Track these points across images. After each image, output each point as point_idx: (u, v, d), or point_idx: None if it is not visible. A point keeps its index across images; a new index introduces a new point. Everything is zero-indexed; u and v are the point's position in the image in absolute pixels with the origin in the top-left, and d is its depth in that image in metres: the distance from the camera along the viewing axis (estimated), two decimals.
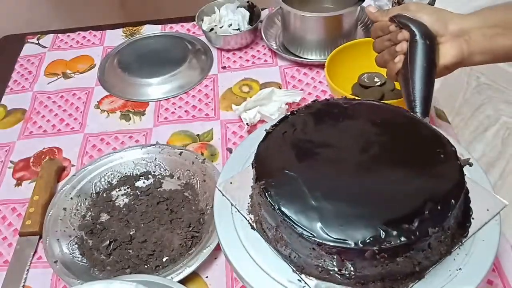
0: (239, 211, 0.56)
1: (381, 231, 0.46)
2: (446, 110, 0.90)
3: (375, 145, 0.55)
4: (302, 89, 0.95)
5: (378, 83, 0.87)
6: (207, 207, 0.73)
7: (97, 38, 1.15)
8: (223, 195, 0.58)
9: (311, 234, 0.47)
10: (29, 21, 1.33)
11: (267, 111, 0.86)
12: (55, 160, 0.85)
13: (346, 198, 0.50)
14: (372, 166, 0.53)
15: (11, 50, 1.14)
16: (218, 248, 0.66)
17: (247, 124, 0.86)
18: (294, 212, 0.48)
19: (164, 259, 0.69)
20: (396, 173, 0.52)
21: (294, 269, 0.50)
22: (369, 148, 0.55)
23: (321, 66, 0.98)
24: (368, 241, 0.45)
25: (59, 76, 1.05)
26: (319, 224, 0.47)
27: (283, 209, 0.49)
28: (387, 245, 0.45)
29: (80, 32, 1.17)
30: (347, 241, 0.46)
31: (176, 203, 0.75)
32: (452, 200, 0.49)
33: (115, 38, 1.14)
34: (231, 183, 0.58)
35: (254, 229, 0.54)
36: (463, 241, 0.51)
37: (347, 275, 0.48)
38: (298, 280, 0.50)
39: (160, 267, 0.68)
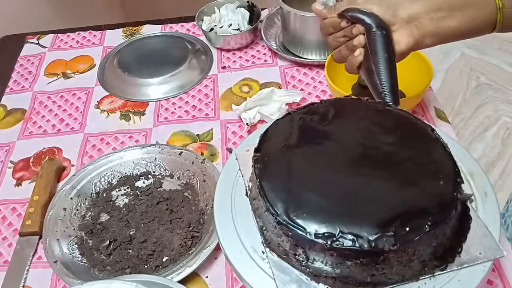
0: (242, 176, 0.59)
1: (339, 230, 0.47)
2: (446, 110, 0.90)
3: (377, 148, 0.55)
4: (302, 89, 0.95)
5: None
6: (207, 207, 0.73)
7: (97, 38, 1.15)
8: (236, 158, 0.61)
9: (275, 212, 0.49)
10: (29, 21, 1.33)
11: (267, 111, 0.86)
12: (55, 160, 0.85)
13: (323, 191, 0.51)
14: (365, 168, 0.53)
15: (11, 50, 1.14)
16: (218, 248, 0.66)
17: (247, 124, 0.86)
18: (270, 188, 0.51)
19: (164, 259, 0.69)
20: (383, 179, 0.52)
21: (263, 241, 0.53)
22: (370, 149, 0.55)
23: (321, 66, 0.98)
24: (320, 235, 0.47)
25: (59, 76, 1.05)
26: (285, 206, 0.49)
27: (262, 182, 0.52)
28: (337, 244, 0.46)
29: (80, 32, 1.17)
30: (301, 228, 0.47)
31: (176, 203, 0.75)
32: (426, 225, 0.46)
33: (115, 38, 1.14)
34: (247, 150, 0.60)
35: (246, 195, 0.57)
36: (434, 274, 0.48)
37: (301, 261, 0.49)
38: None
39: (160, 267, 0.68)
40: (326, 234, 0.47)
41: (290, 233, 0.48)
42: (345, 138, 0.57)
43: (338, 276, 0.49)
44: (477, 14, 0.66)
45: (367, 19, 0.66)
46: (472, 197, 0.53)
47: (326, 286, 0.49)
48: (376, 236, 0.46)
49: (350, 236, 0.46)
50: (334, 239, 0.46)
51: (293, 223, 0.48)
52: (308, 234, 0.47)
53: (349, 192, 0.51)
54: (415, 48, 0.68)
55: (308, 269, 0.50)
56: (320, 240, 0.47)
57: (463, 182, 0.51)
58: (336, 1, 0.77)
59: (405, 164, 0.53)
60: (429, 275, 0.49)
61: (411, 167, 0.53)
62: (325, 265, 0.48)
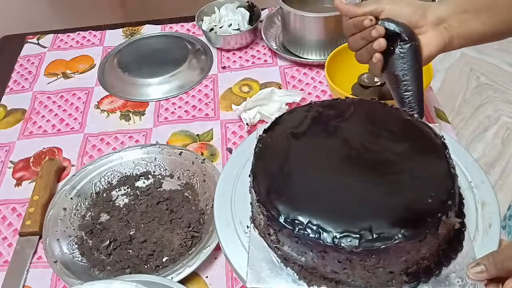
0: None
1: (308, 220, 0.48)
2: (446, 110, 0.90)
3: (379, 153, 0.55)
4: (302, 89, 0.95)
5: (378, 83, 0.87)
6: (207, 207, 0.73)
7: (97, 38, 1.15)
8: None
9: (258, 191, 0.52)
10: (29, 21, 1.33)
11: (267, 111, 0.86)
12: (55, 160, 0.85)
13: (309, 182, 0.52)
14: (360, 170, 0.53)
15: (11, 50, 1.14)
16: (218, 248, 0.66)
17: (247, 124, 0.86)
18: (261, 169, 0.54)
19: (164, 259, 0.69)
20: (373, 184, 0.51)
21: (250, 216, 0.55)
22: (372, 153, 0.55)
23: (321, 66, 0.98)
24: (290, 220, 0.48)
25: (59, 76, 1.05)
26: (268, 187, 0.52)
27: (257, 161, 0.55)
28: (302, 233, 0.47)
29: (80, 32, 1.17)
30: (275, 211, 0.49)
31: (176, 203, 0.75)
32: (396, 237, 0.45)
33: (115, 38, 1.14)
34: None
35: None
36: None
37: (274, 242, 0.51)
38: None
39: (160, 267, 0.68)
40: (295, 221, 0.48)
41: (265, 213, 0.50)
42: (351, 138, 0.56)
43: (304, 265, 0.50)
44: (503, 18, 0.66)
45: (400, 29, 0.65)
46: (459, 224, 0.50)
47: (293, 272, 0.51)
48: (341, 234, 0.46)
49: (316, 228, 0.47)
50: (301, 227, 0.48)
51: (270, 205, 0.50)
52: (279, 217, 0.49)
53: (334, 188, 0.51)
54: (443, 50, 0.67)
55: (279, 252, 0.52)
56: (288, 226, 0.48)
57: (454, 206, 0.49)
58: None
59: (401, 175, 0.52)
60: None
61: (406, 179, 0.51)
62: (292, 250, 0.50)
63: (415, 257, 0.47)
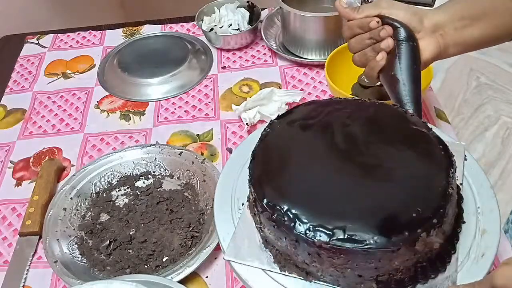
0: None
1: (287, 207, 0.49)
2: (446, 110, 0.90)
3: (376, 157, 0.54)
4: (302, 89, 0.95)
5: (378, 83, 0.87)
6: (207, 207, 0.73)
7: (97, 38, 1.15)
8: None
9: (251, 173, 0.54)
10: (29, 21, 1.33)
11: (267, 111, 0.86)
12: (55, 160, 0.85)
13: (301, 172, 0.53)
14: (352, 168, 0.53)
15: (11, 50, 1.14)
16: (218, 248, 0.66)
17: (247, 124, 0.86)
18: (259, 153, 0.55)
19: (164, 259, 0.69)
20: (362, 184, 0.51)
21: (247, 197, 0.56)
22: (368, 156, 0.54)
23: (321, 66, 0.98)
24: (271, 205, 0.49)
25: (59, 76, 1.05)
26: (260, 172, 0.53)
27: (259, 145, 0.56)
28: (278, 218, 0.48)
29: (80, 32, 1.17)
30: (261, 194, 0.51)
31: (176, 203, 0.75)
32: (367, 242, 0.45)
33: (115, 38, 1.14)
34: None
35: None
36: None
37: (258, 223, 0.53)
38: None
39: (160, 267, 0.68)
40: (275, 207, 0.49)
41: (253, 194, 0.52)
42: (356, 139, 0.56)
43: (280, 250, 0.51)
44: (499, 23, 0.67)
45: (400, 29, 0.65)
46: (438, 245, 0.48)
47: (270, 254, 0.52)
48: (315, 227, 0.47)
49: (293, 217, 0.48)
50: (280, 213, 0.49)
51: (258, 186, 0.52)
52: (263, 200, 0.50)
53: (323, 183, 0.52)
54: (438, 58, 0.67)
55: (262, 233, 0.53)
56: (268, 209, 0.49)
57: (438, 226, 0.47)
58: (361, 3, 0.76)
59: (395, 183, 0.51)
60: None
61: (398, 188, 0.50)
62: (270, 234, 0.51)
63: (387, 267, 0.47)
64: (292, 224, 0.48)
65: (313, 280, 0.50)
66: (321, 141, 0.56)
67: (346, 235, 0.46)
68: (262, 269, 0.52)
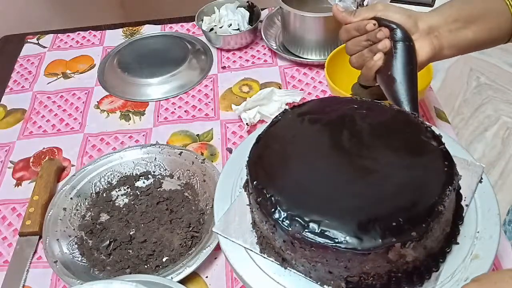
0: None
1: (271, 194, 0.50)
2: (446, 110, 0.90)
3: (375, 160, 0.54)
4: (302, 89, 0.95)
5: (377, 84, 0.87)
6: (207, 207, 0.73)
7: (96, 38, 1.15)
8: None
9: (249, 158, 0.55)
10: (29, 21, 1.33)
11: (267, 111, 0.86)
12: (55, 160, 0.85)
13: (295, 165, 0.53)
14: (348, 168, 0.53)
15: (11, 50, 1.14)
16: (218, 248, 0.66)
17: (247, 124, 0.86)
18: (261, 144, 0.56)
19: (164, 259, 0.69)
20: (354, 185, 0.51)
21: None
22: (366, 159, 0.54)
23: (321, 66, 0.98)
24: (258, 188, 0.51)
25: (59, 76, 1.05)
26: (259, 156, 0.55)
27: (261, 136, 0.57)
28: (260, 202, 0.50)
29: (80, 32, 1.17)
30: (253, 176, 0.52)
31: (176, 203, 0.75)
32: (337, 240, 0.45)
33: (115, 38, 1.14)
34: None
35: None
36: None
37: (250, 204, 0.54)
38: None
39: (160, 267, 0.68)
40: (262, 190, 0.50)
41: (247, 175, 0.54)
42: (360, 138, 0.56)
43: (263, 233, 0.52)
44: (493, 25, 0.67)
45: (396, 29, 0.66)
46: (412, 258, 0.47)
47: (255, 236, 0.53)
48: (292, 217, 0.48)
49: (274, 203, 0.49)
50: (264, 198, 0.50)
51: (252, 169, 0.53)
52: (253, 182, 0.52)
53: (313, 176, 0.52)
54: (433, 59, 0.68)
55: (253, 213, 0.54)
56: (255, 192, 0.51)
57: (417, 240, 0.46)
58: (357, 7, 0.77)
59: (385, 187, 0.50)
60: None
61: (388, 193, 0.49)
62: (255, 216, 0.53)
63: (357, 269, 0.47)
64: (273, 209, 0.49)
65: (288, 267, 0.51)
66: (327, 137, 0.57)
67: (319, 230, 0.46)
68: (244, 247, 0.53)
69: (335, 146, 0.55)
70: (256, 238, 0.53)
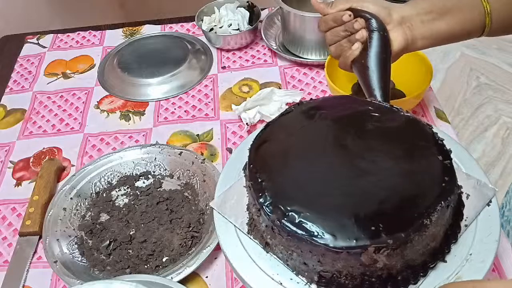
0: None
1: (264, 179, 0.51)
2: (446, 110, 0.90)
3: (377, 158, 0.54)
4: (302, 89, 0.95)
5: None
6: (207, 207, 0.73)
7: (96, 38, 1.15)
8: None
9: (252, 142, 0.57)
10: (29, 21, 1.33)
11: (267, 111, 0.86)
12: (55, 160, 0.85)
13: (291, 162, 0.54)
14: (348, 169, 0.53)
15: (11, 50, 1.14)
16: (218, 248, 0.66)
17: (247, 124, 0.86)
18: (258, 142, 0.57)
19: (164, 259, 0.69)
20: (348, 184, 0.51)
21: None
22: (371, 159, 0.54)
23: (321, 66, 0.98)
24: (253, 171, 0.53)
25: (59, 76, 1.05)
26: (260, 143, 0.56)
27: (259, 135, 0.58)
28: (252, 186, 0.51)
29: (79, 32, 1.17)
30: (249, 159, 0.55)
31: (176, 203, 0.75)
32: (313, 233, 0.46)
33: (115, 38, 1.14)
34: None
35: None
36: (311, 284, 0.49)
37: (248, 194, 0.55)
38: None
39: (160, 267, 0.68)
40: (255, 175, 0.52)
41: (247, 159, 0.55)
42: (367, 141, 0.56)
43: (252, 216, 0.54)
44: (466, 18, 0.68)
45: (371, 19, 0.68)
46: (382, 264, 0.46)
47: (247, 217, 0.55)
48: (275, 203, 0.49)
49: (262, 188, 0.51)
50: (255, 181, 0.52)
51: (252, 154, 0.55)
52: (250, 166, 0.54)
53: (308, 169, 0.53)
54: (406, 50, 0.70)
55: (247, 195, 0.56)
56: (249, 174, 0.53)
57: (391, 249, 0.45)
58: None
59: (374, 192, 0.50)
60: (307, 281, 0.50)
61: (374, 198, 0.49)
62: (248, 199, 0.55)
63: (330, 265, 0.47)
64: (260, 194, 0.50)
65: (270, 252, 0.52)
66: (332, 134, 0.57)
67: (298, 220, 0.47)
68: (234, 225, 0.55)
69: (338, 144, 0.56)
70: (248, 219, 0.55)
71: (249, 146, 0.57)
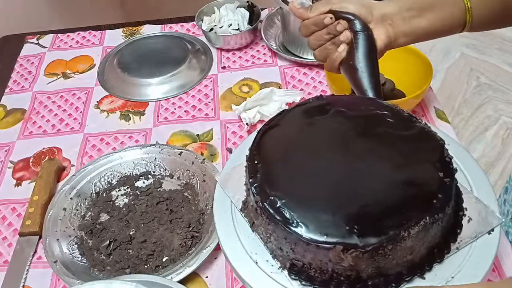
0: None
1: (258, 167, 0.53)
2: (446, 110, 0.90)
3: (378, 162, 0.53)
4: (302, 89, 0.95)
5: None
6: (207, 207, 0.73)
7: (96, 38, 1.15)
8: None
9: (256, 134, 0.58)
10: (29, 21, 1.33)
11: (267, 111, 0.86)
12: (55, 160, 0.85)
13: (289, 159, 0.55)
14: (345, 169, 0.53)
15: (11, 50, 1.14)
16: (218, 248, 0.66)
17: (247, 124, 0.86)
18: (262, 140, 0.57)
19: (164, 259, 0.69)
20: (344, 183, 0.51)
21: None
22: (372, 160, 0.53)
23: (321, 66, 0.98)
24: (253, 160, 0.54)
25: (59, 76, 1.05)
26: (262, 137, 0.58)
27: (260, 132, 0.58)
28: (251, 180, 0.52)
29: (79, 32, 1.17)
30: (251, 149, 0.56)
31: (176, 203, 0.75)
32: (299, 228, 0.47)
33: (115, 38, 1.14)
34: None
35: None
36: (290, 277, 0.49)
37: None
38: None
39: (160, 267, 0.68)
40: (252, 158, 0.54)
41: (248, 149, 0.57)
42: (369, 142, 0.56)
43: (245, 202, 0.56)
44: (447, 14, 0.69)
45: (355, 20, 0.67)
46: (351, 265, 0.46)
47: (245, 195, 0.56)
48: (261, 187, 0.51)
49: (255, 171, 0.53)
50: (252, 164, 0.54)
51: (254, 146, 0.57)
52: (250, 154, 0.55)
53: (305, 161, 0.54)
54: (389, 47, 0.70)
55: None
56: (248, 164, 0.55)
57: (356, 251, 0.45)
58: (312, 1, 0.78)
59: (364, 194, 0.49)
60: (280, 266, 0.51)
61: (361, 199, 0.49)
62: (245, 186, 0.56)
63: (300, 255, 0.48)
64: (252, 175, 0.53)
65: (255, 231, 0.53)
66: (338, 132, 0.57)
67: (278, 205, 0.49)
68: (231, 200, 0.57)
69: (342, 143, 0.56)
70: (244, 197, 0.56)
71: (258, 130, 0.59)
